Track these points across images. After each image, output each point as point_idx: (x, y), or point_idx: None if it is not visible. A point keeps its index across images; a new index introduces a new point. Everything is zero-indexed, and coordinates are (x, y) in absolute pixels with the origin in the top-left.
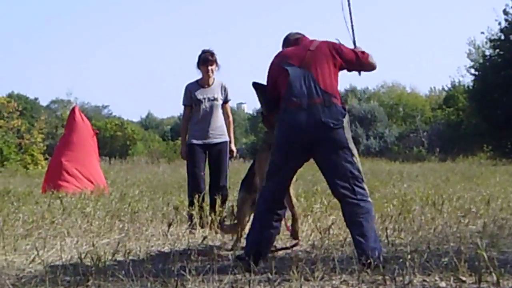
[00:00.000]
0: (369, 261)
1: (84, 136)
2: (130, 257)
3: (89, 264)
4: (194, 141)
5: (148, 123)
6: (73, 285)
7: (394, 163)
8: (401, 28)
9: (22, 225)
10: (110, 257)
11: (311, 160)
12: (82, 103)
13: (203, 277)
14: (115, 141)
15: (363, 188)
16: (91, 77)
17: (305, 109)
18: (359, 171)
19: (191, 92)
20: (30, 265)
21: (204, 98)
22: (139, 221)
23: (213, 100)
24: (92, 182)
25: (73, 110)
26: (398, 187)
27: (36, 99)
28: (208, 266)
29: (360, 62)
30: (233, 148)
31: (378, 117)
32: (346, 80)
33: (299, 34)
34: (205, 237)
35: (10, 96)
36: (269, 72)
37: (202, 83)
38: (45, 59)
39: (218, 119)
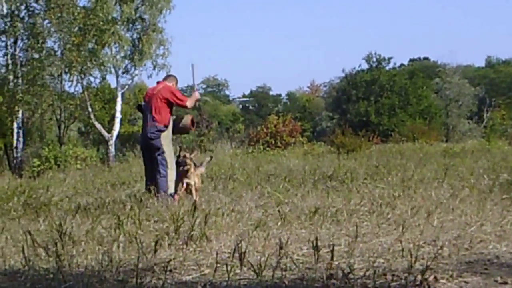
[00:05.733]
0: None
1: None
2: None
3: None
4: None
5: None
6: None
7: None
8: None
9: None
10: None
11: None
12: None
13: None
14: None
15: (163, 169)
16: None
17: (144, 128)
18: (164, 160)
19: None
20: None
21: None
22: None
23: None
24: None
25: None
26: None
27: None
28: None
29: (179, 104)
30: None
31: None
32: None
33: (164, 78)
34: None
35: None
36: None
37: None
38: None
39: None
